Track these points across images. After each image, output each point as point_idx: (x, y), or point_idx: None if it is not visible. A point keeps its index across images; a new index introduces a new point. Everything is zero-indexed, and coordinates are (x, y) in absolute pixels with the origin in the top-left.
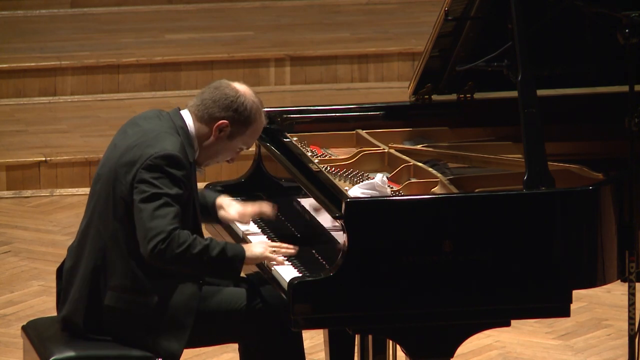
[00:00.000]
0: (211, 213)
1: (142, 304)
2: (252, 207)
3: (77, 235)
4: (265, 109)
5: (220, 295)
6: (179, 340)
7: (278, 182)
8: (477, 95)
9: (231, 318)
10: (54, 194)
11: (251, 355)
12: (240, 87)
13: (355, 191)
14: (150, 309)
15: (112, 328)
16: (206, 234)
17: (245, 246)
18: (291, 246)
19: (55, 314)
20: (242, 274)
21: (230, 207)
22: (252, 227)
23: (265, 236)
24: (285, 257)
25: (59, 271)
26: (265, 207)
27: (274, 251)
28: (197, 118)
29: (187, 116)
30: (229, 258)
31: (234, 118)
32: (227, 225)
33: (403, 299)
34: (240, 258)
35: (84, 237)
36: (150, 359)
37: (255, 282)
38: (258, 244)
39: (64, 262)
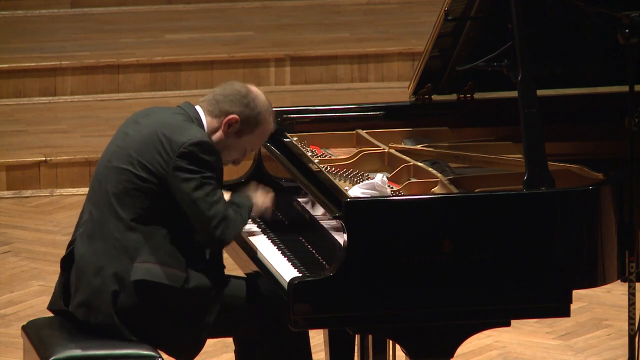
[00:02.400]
0: None
1: (174, 275)
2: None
3: (83, 225)
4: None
5: (227, 288)
6: (212, 312)
7: (278, 182)
8: (477, 95)
9: (236, 312)
10: (54, 194)
11: (248, 352)
12: (252, 87)
13: (355, 191)
14: (182, 282)
15: (137, 311)
16: None
17: (251, 197)
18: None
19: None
20: (242, 274)
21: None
22: (253, 227)
23: (266, 236)
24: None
25: (65, 262)
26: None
27: (269, 204)
28: (209, 112)
29: (199, 110)
30: (247, 214)
31: (244, 114)
32: None
33: (403, 299)
34: (250, 209)
35: (92, 225)
36: (152, 358)
37: (255, 281)
38: (258, 195)
39: (71, 252)
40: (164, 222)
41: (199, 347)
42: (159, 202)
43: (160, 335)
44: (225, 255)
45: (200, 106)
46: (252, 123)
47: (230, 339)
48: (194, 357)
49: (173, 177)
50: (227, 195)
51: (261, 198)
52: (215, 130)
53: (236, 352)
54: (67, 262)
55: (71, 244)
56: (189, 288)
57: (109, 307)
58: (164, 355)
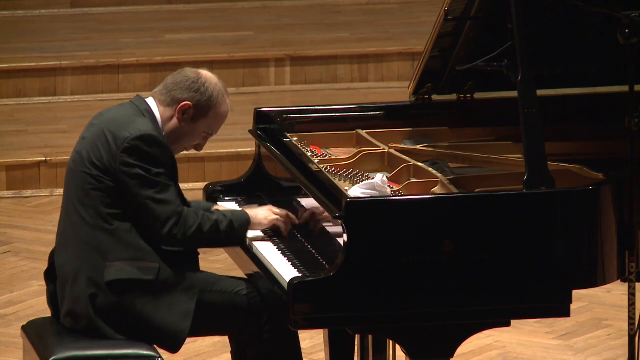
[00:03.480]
0: None
1: (146, 269)
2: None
3: (59, 237)
4: (264, 109)
5: (218, 284)
6: (191, 298)
7: (278, 182)
8: (477, 95)
9: (228, 308)
10: (54, 194)
11: (244, 352)
12: (203, 71)
13: (355, 191)
14: (155, 274)
15: (116, 310)
16: None
17: (250, 212)
18: (293, 216)
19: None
20: (242, 274)
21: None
22: None
23: (266, 236)
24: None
25: (48, 274)
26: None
27: (277, 218)
28: (161, 102)
29: (151, 102)
30: (237, 228)
31: (196, 99)
32: None
33: (403, 299)
34: (247, 225)
35: (68, 232)
36: (152, 358)
37: (255, 281)
38: (263, 209)
39: (52, 265)
40: (128, 217)
41: (183, 335)
42: (117, 199)
43: (143, 329)
44: (225, 255)
45: (153, 97)
46: (205, 107)
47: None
48: (181, 346)
49: (121, 173)
50: (221, 206)
51: (264, 213)
52: (170, 119)
53: (232, 352)
54: (50, 274)
55: (52, 255)
56: (163, 278)
57: (88, 311)
58: (165, 355)
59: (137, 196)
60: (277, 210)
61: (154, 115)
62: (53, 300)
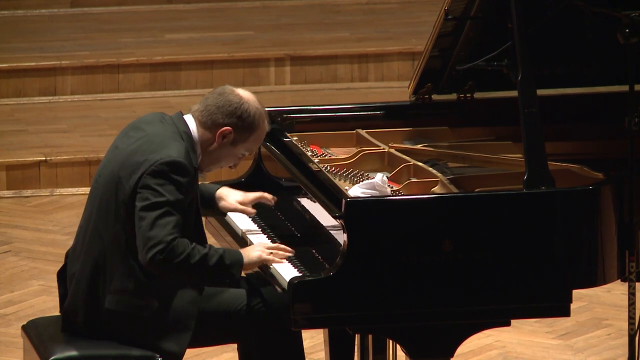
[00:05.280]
0: (212, 205)
1: (144, 306)
2: (253, 195)
3: (77, 238)
4: (266, 109)
5: (221, 296)
6: (180, 344)
7: (278, 182)
8: (477, 95)
9: (231, 319)
10: (54, 193)
11: (250, 356)
12: (244, 94)
13: (355, 191)
14: (151, 312)
15: (113, 331)
16: (208, 236)
17: (243, 252)
18: (288, 248)
19: (55, 313)
20: (242, 274)
21: (229, 196)
22: (252, 226)
23: (265, 235)
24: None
25: (60, 274)
26: (266, 195)
27: (271, 253)
28: (201, 124)
29: (190, 121)
30: (227, 265)
31: (237, 125)
32: (226, 225)
33: (403, 298)
34: (239, 265)
35: (83, 239)
36: (151, 359)
37: (255, 282)
38: (255, 248)
39: (65, 265)
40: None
41: (179, 357)
42: (134, 226)
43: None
44: None
45: (192, 116)
46: (246, 131)
47: None
48: None
49: (138, 193)
50: (226, 189)
51: (257, 252)
52: (209, 142)
53: (239, 351)
54: (63, 275)
55: (67, 256)
56: (162, 316)
57: (83, 328)
58: None
59: (139, 213)
60: (270, 245)
61: (191, 137)
62: (62, 301)
